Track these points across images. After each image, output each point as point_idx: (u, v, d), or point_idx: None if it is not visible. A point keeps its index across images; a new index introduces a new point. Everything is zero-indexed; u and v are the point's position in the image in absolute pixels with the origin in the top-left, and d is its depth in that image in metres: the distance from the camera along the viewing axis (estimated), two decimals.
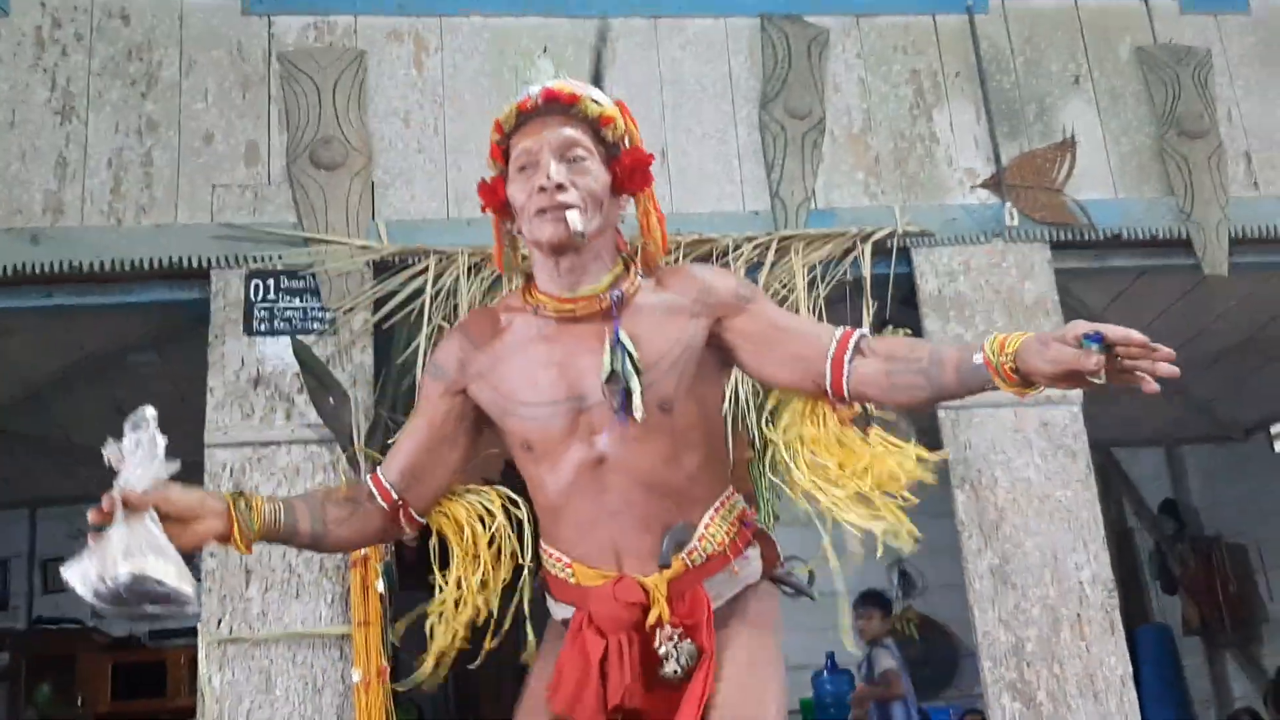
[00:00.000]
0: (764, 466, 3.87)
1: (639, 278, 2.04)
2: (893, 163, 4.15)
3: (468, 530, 2.12)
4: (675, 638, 1.91)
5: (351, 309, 3.72)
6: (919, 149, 4.19)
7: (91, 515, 1.72)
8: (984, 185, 4.16)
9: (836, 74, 4.22)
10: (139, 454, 1.77)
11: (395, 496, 2.06)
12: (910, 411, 2.04)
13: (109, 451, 1.77)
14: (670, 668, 1.90)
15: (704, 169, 4.05)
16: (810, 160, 4.07)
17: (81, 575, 1.71)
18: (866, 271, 3.95)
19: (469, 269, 3.78)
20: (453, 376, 2.06)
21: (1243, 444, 6.56)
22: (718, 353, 2.05)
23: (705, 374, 2.03)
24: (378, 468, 2.09)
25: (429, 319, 3.70)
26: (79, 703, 7.23)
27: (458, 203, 3.91)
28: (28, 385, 4.44)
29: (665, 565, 1.95)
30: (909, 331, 2.26)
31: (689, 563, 1.95)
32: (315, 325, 3.71)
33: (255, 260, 3.73)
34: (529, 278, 2.06)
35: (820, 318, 3.90)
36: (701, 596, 1.94)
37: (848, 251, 3.98)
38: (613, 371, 1.92)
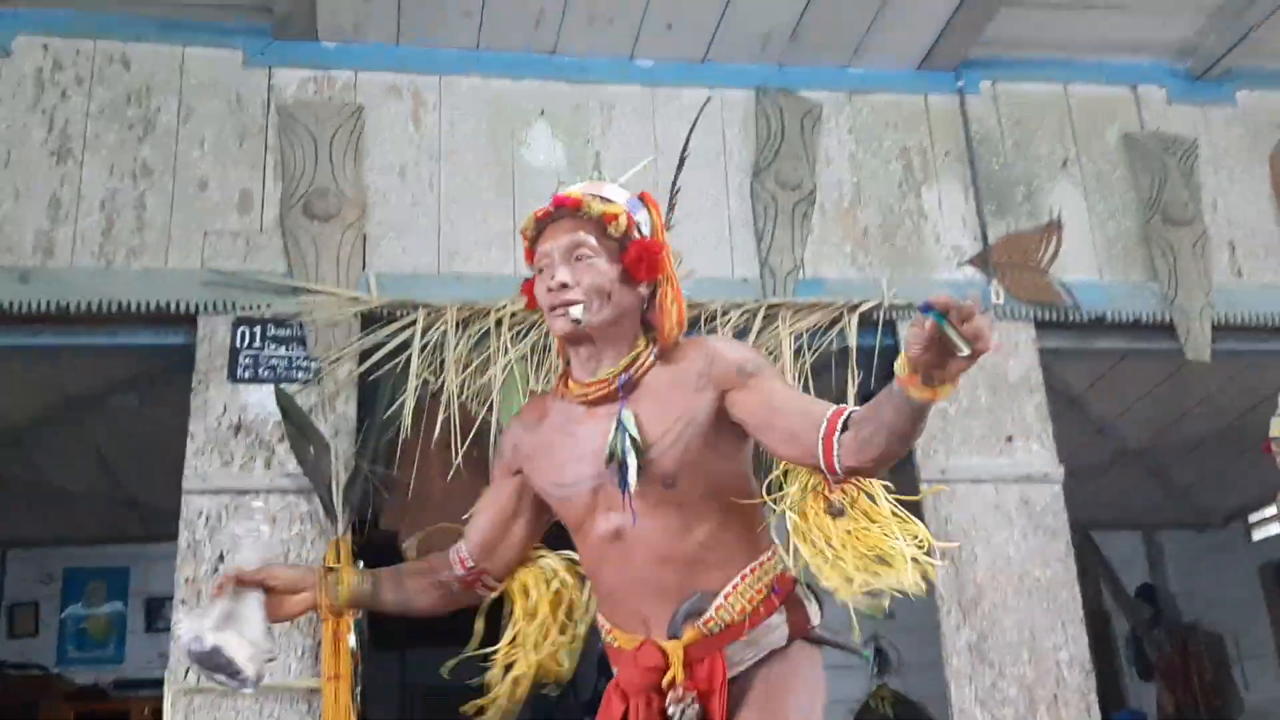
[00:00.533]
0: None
1: (653, 357, 2.12)
2: (881, 236, 4.20)
3: (534, 593, 2.27)
4: (688, 700, 1.98)
5: (337, 359, 3.72)
6: (907, 224, 4.23)
7: (213, 589, 2.08)
8: (970, 262, 4.20)
9: (828, 148, 4.28)
10: (250, 539, 2.20)
11: (472, 565, 2.24)
12: (889, 463, 1.99)
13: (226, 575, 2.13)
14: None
15: (695, 235, 4.07)
16: (800, 230, 4.11)
17: (185, 630, 2.06)
18: (853, 342, 3.97)
19: (457, 323, 3.79)
20: (509, 458, 2.24)
21: (1221, 531, 6.57)
22: (732, 425, 2.09)
23: (718, 444, 2.08)
24: (461, 541, 2.27)
25: (416, 372, 3.70)
26: None
27: (449, 257, 3.93)
28: (6, 424, 4.41)
29: (675, 636, 2.03)
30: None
31: (705, 631, 2.03)
32: (300, 374, 3.71)
33: (243, 308, 3.73)
34: (564, 368, 2.20)
35: (805, 386, 3.92)
36: (719, 664, 2.01)
37: (834, 321, 4.01)
38: (612, 452, 2.03)
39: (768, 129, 4.20)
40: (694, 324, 3.93)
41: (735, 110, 4.26)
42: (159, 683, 3.69)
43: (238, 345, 3.71)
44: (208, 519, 3.55)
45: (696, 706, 1.98)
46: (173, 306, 3.71)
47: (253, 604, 2.09)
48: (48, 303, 3.64)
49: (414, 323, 3.78)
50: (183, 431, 3.64)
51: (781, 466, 2.12)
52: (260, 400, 3.67)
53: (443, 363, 3.75)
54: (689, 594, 2.04)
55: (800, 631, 2.10)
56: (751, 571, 2.08)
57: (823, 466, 1.96)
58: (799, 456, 2.02)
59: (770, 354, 3.94)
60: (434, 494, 3.61)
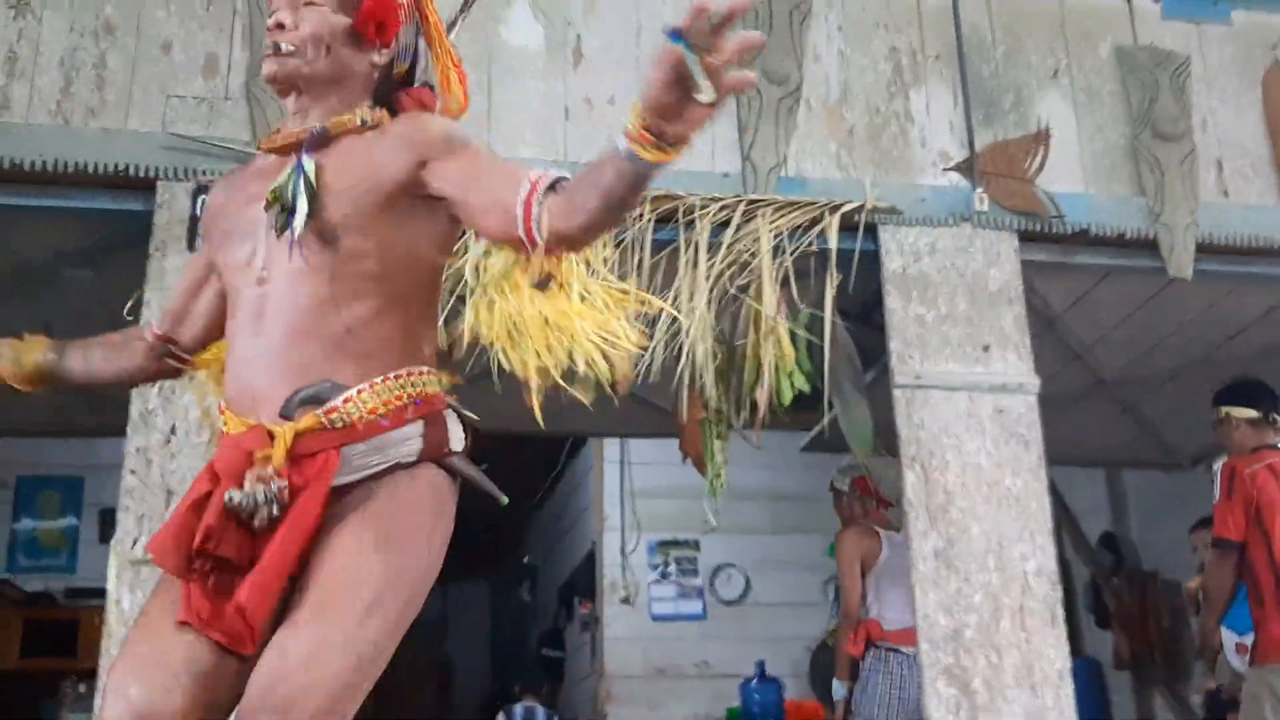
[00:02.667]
0: (718, 430, 3.79)
1: (363, 123, 1.95)
2: (866, 137, 4.10)
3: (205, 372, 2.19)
4: (272, 484, 1.74)
5: None
6: (893, 126, 4.14)
7: None
8: (956, 169, 4.12)
9: (816, 43, 4.17)
10: None
11: (160, 333, 2.13)
12: (600, 233, 1.81)
13: None
14: (239, 500, 1.73)
15: None
16: (784, 127, 4.00)
17: None
18: (833, 243, 3.88)
19: None
20: (208, 224, 2.10)
21: (1188, 473, 6.55)
22: (428, 203, 1.91)
23: (399, 214, 1.89)
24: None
25: None
26: None
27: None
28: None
29: (287, 416, 1.80)
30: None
31: (325, 422, 1.80)
32: None
33: (205, 174, 3.59)
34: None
35: (785, 285, 3.83)
36: (331, 460, 1.79)
37: (815, 222, 3.91)
38: (278, 195, 1.85)
39: (755, 20, 4.08)
40: (671, 216, 3.83)
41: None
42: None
43: (198, 213, 3.58)
44: (160, 388, 3.42)
45: (273, 489, 1.73)
46: (131, 170, 3.57)
47: None
48: (1, 159, 3.49)
49: None
50: (138, 307, 3.51)
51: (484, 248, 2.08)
52: None
53: None
54: (310, 377, 1.82)
55: (435, 453, 1.91)
56: (396, 378, 1.88)
57: (520, 233, 1.76)
58: (498, 226, 1.81)
59: (747, 251, 3.85)
60: None
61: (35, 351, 2.12)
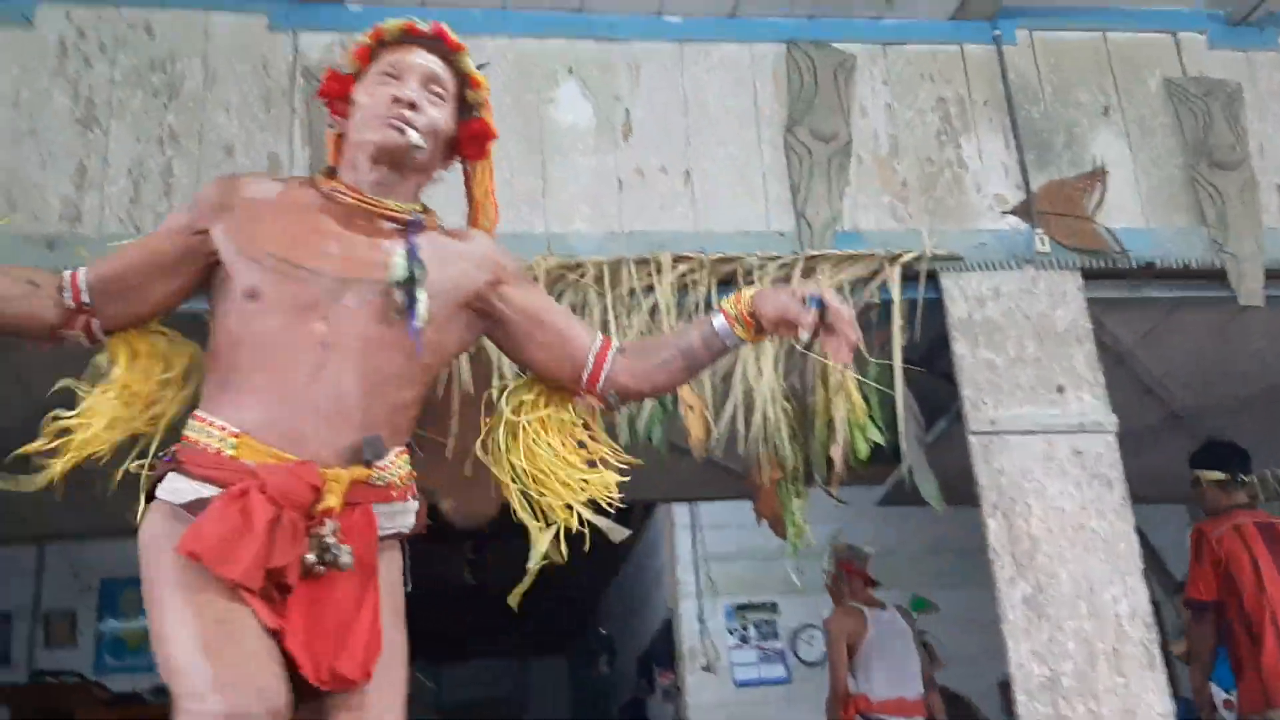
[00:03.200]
0: (796, 489, 3.77)
1: (438, 222, 2.17)
2: (920, 187, 4.10)
3: (140, 365, 2.09)
4: (336, 535, 1.86)
5: None
6: (947, 174, 4.14)
7: None
8: (1013, 212, 4.10)
9: (863, 98, 4.19)
10: None
11: (85, 299, 2.02)
12: (667, 392, 2.37)
13: None
14: (329, 556, 1.85)
15: (728, 190, 4.01)
16: (836, 182, 4.02)
17: None
18: (896, 293, 3.87)
19: None
20: (203, 211, 2.05)
21: (1270, 504, 6.39)
22: (479, 317, 2.13)
23: (455, 325, 2.09)
24: (81, 269, 2.04)
25: None
26: None
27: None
28: (38, 406, 4.35)
29: (366, 462, 1.93)
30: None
31: (374, 479, 1.95)
32: None
33: None
34: (326, 170, 2.16)
35: None
36: (371, 516, 1.94)
37: (875, 274, 3.91)
38: (409, 276, 1.98)
39: (800, 81, 4.12)
40: (731, 278, 3.85)
41: (765, 64, 4.18)
42: None
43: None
44: None
45: (348, 546, 1.86)
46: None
47: None
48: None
49: None
50: None
51: (499, 385, 2.23)
52: None
53: None
54: (364, 432, 1.95)
55: (419, 528, 2.09)
56: (406, 450, 2.07)
57: (584, 382, 2.10)
58: (556, 364, 2.12)
59: None
60: (472, 452, 3.53)
61: None
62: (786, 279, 3.84)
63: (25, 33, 3.84)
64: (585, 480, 2.15)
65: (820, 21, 4.24)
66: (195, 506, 1.85)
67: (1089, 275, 4.04)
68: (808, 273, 3.85)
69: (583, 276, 3.76)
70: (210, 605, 1.75)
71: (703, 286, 3.81)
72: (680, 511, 8.07)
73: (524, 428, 2.15)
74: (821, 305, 1.94)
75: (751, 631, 8.10)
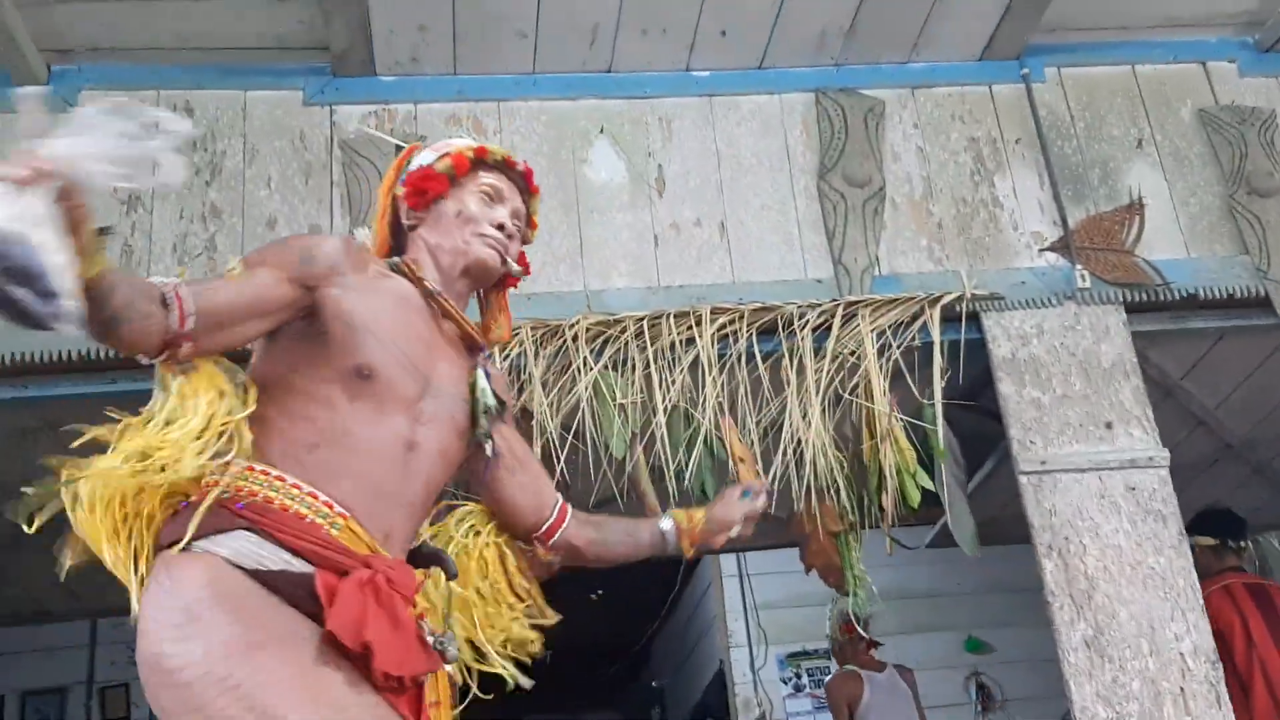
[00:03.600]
0: (853, 541, 3.75)
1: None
2: (956, 229, 4.10)
3: (205, 396, 1.80)
4: (434, 631, 1.91)
5: None
6: (982, 214, 4.13)
7: (10, 171, 1.41)
8: (1051, 248, 4.09)
9: (894, 143, 4.20)
10: (111, 143, 1.46)
11: (190, 328, 1.77)
12: (606, 564, 2.44)
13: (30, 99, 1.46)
14: (451, 655, 1.93)
15: (764, 240, 4.02)
16: (872, 227, 4.02)
17: None
18: (936, 336, 3.85)
19: (535, 343, 3.74)
20: (318, 270, 1.95)
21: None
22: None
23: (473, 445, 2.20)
24: (185, 288, 1.81)
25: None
26: None
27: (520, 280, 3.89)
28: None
29: (453, 576, 2.09)
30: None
31: (423, 578, 2.01)
32: None
33: None
34: (411, 261, 2.18)
35: (897, 383, 3.81)
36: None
37: (915, 317, 3.90)
38: (492, 408, 2.12)
39: (830, 128, 4.14)
40: (771, 328, 3.85)
41: (795, 113, 4.21)
42: None
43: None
44: None
45: (455, 643, 1.95)
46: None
47: (55, 209, 1.43)
48: None
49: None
50: None
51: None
52: None
53: (523, 385, 3.69)
54: (417, 537, 2.07)
55: None
56: None
57: (540, 528, 2.27)
58: (526, 505, 2.27)
59: (852, 354, 3.84)
60: None
61: (105, 260, 1.66)
62: (827, 327, 3.84)
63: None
64: (511, 626, 2.22)
65: (847, 69, 4.26)
66: (280, 578, 1.72)
67: (1132, 309, 4.02)
68: (847, 319, 3.85)
69: (623, 332, 3.78)
70: (336, 689, 1.64)
71: (743, 337, 3.81)
72: (727, 560, 8.02)
73: (470, 552, 2.23)
74: (754, 493, 2.46)
75: (805, 680, 8.01)
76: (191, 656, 1.60)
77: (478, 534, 2.25)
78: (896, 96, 4.27)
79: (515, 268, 2.21)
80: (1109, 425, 3.84)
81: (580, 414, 3.66)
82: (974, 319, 3.95)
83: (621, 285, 3.92)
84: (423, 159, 2.23)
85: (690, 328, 3.80)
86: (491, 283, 2.22)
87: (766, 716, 7.75)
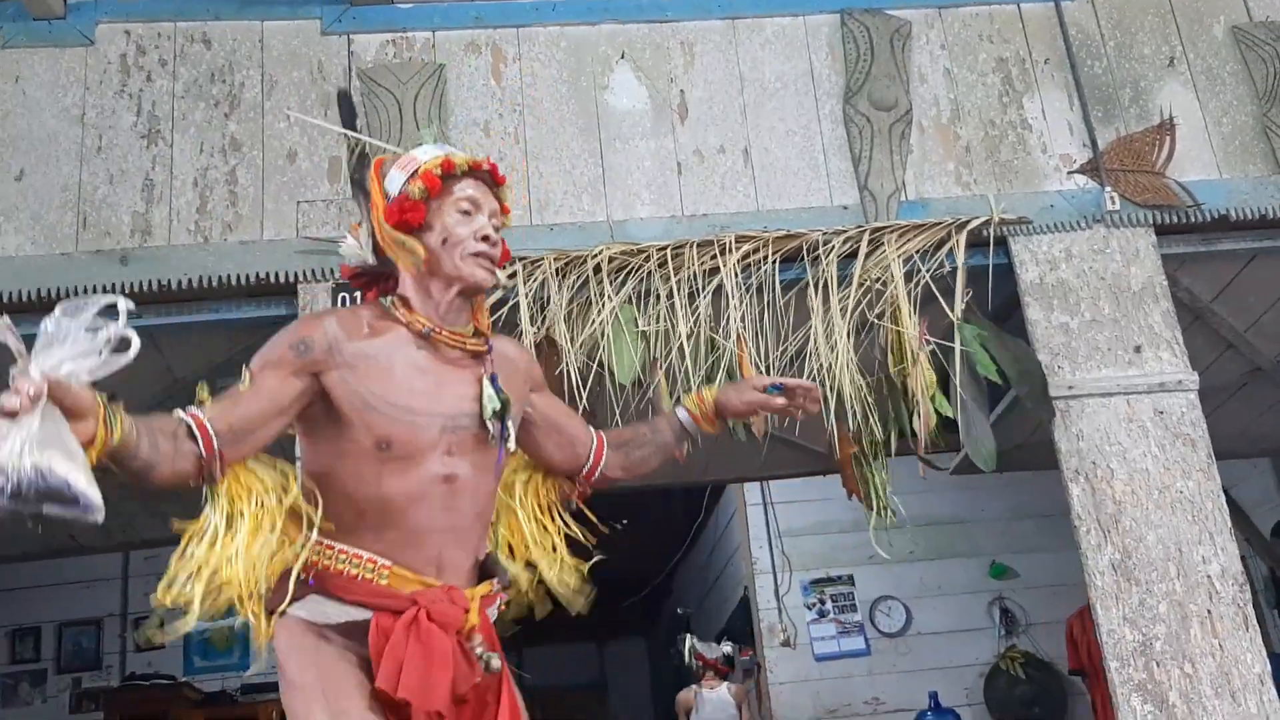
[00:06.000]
0: (874, 462, 3.74)
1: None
2: (984, 152, 4.04)
3: (265, 499, 2.07)
4: (483, 645, 2.11)
5: None
6: (1010, 137, 4.07)
7: (9, 401, 1.61)
8: (1081, 171, 4.03)
9: (921, 65, 4.13)
10: (83, 343, 1.66)
11: (216, 448, 1.98)
12: (646, 476, 2.55)
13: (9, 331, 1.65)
14: (485, 666, 2.09)
15: (789, 165, 3.97)
16: (899, 152, 3.97)
17: None
18: (961, 260, 3.82)
19: (555, 273, 3.72)
20: (317, 357, 2.10)
21: None
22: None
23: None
24: (200, 412, 1.99)
25: (524, 325, 3.63)
26: None
27: (540, 209, 3.87)
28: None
29: (506, 586, 2.24)
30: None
31: (493, 589, 2.20)
32: None
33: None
34: (401, 300, 2.23)
35: (917, 310, 3.78)
36: (488, 618, 2.19)
37: (942, 242, 3.86)
38: (499, 410, 2.16)
39: (856, 50, 4.07)
40: (796, 254, 3.82)
41: (820, 35, 4.14)
42: None
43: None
44: None
45: (497, 657, 2.11)
46: (272, 277, 3.70)
47: (58, 420, 1.64)
48: (149, 283, 3.65)
49: (513, 275, 3.71)
50: None
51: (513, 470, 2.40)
52: None
53: (544, 311, 3.68)
54: (480, 552, 2.22)
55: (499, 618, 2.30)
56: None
57: (581, 470, 2.42)
58: (564, 460, 2.42)
59: (878, 280, 3.81)
60: None
61: (123, 420, 1.82)
62: (852, 254, 3.81)
63: (87, 51, 3.89)
64: (557, 550, 2.41)
65: None
66: (346, 627, 2.05)
67: (1162, 231, 3.97)
68: (873, 245, 3.81)
69: (646, 261, 3.75)
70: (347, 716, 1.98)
71: (767, 265, 3.78)
72: (751, 489, 8.05)
73: (523, 500, 2.42)
74: (781, 389, 2.43)
75: (829, 605, 8.06)
76: (291, 707, 2.04)
77: (526, 483, 2.44)
78: (923, 17, 4.19)
79: (502, 278, 2.29)
80: (1138, 349, 3.81)
81: (603, 343, 3.65)
82: (1001, 243, 3.91)
83: (644, 215, 3.89)
84: (395, 181, 2.24)
85: (714, 257, 3.77)
86: (475, 295, 2.25)
87: (790, 641, 7.81)
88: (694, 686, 7.32)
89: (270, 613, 2.10)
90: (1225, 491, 4.65)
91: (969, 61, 4.16)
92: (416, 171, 2.21)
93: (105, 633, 7.94)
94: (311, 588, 2.08)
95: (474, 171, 2.26)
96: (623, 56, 4.08)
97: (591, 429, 2.48)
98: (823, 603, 8.06)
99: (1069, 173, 4.02)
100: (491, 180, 2.29)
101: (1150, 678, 3.49)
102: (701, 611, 10.40)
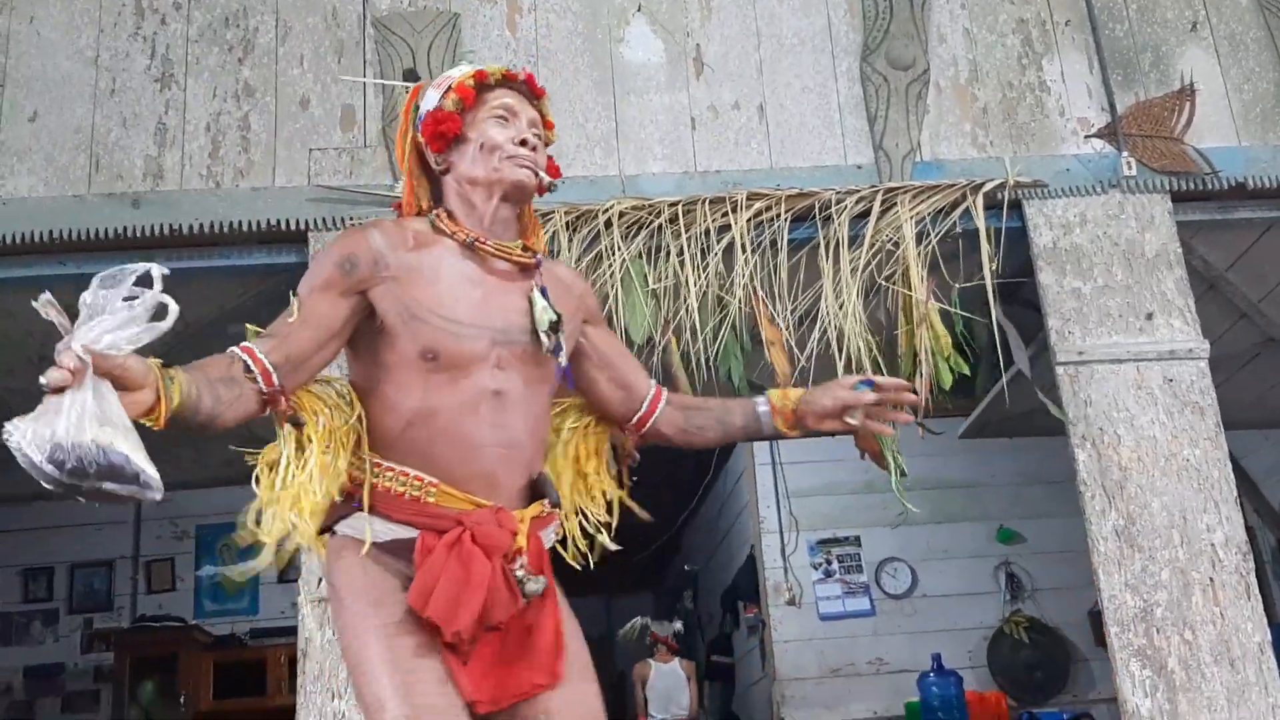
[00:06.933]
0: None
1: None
2: (1001, 113, 4.01)
3: (324, 419, 2.03)
4: (526, 568, 2.03)
5: None
6: (1029, 99, 4.03)
7: (54, 375, 1.55)
8: (1098, 135, 3.99)
9: (940, 24, 4.09)
10: (122, 313, 1.60)
11: (276, 382, 1.93)
12: (698, 447, 2.38)
13: (50, 306, 1.58)
14: (525, 589, 2.02)
15: (804, 123, 3.95)
16: (915, 112, 3.94)
17: (35, 438, 1.52)
18: (980, 223, 3.79)
19: (566, 225, 3.71)
20: (364, 273, 2.04)
21: None
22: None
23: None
24: (253, 347, 1.94)
25: None
26: (181, 701, 7.29)
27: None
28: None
29: (556, 505, 2.16)
30: None
31: (545, 510, 2.12)
32: None
33: (353, 221, 3.70)
34: (446, 214, 2.17)
35: (934, 270, 3.77)
36: (541, 542, 2.11)
37: (956, 204, 3.84)
38: (553, 324, 2.09)
39: (875, 7, 4.03)
40: (808, 213, 3.80)
41: None
42: (293, 630, 3.72)
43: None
44: None
45: (540, 580, 2.04)
46: (283, 224, 3.71)
47: (110, 396, 1.58)
48: (160, 226, 3.66)
49: None
50: None
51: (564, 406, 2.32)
52: None
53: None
54: (533, 471, 2.14)
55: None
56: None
57: (633, 418, 2.31)
58: (616, 403, 2.31)
59: (890, 241, 3.79)
60: None
61: (181, 383, 1.76)
62: (865, 213, 3.79)
63: None
64: (595, 494, 2.34)
65: None
66: (393, 545, 2.02)
67: (1178, 198, 3.94)
68: (887, 206, 3.80)
69: (657, 217, 3.74)
70: (405, 653, 1.95)
71: (778, 223, 3.77)
72: (760, 449, 8.06)
73: (570, 442, 2.34)
74: (873, 385, 2.20)
75: (835, 565, 8.09)
76: (336, 626, 2.08)
77: (575, 426, 2.35)
78: None
79: (547, 179, 2.18)
80: (1150, 316, 3.79)
81: (614, 298, 3.65)
82: (1016, 207, 3.89)
83: (657, 170, 3.87)
84: (429, 100, 2.21)
85: (725, 214, 3.75)
86: (530, 200, 2.20)
87: (796, 600, 7.85)
88: (649, 660, 7.96)
89: (321, 532, 2.08)
90: (1236, 462, 4.66)
91: (989, 22, 4.12)
92: (450, 86, 2.19)
93: (117, 574, 8.02)
94: (358, 507, 2.05)
95: (509, 82, 2.22)
96: (639, 9, 4.05)
97: (653, 380, 2.39)
98: (829, 563, 8.08)
99: (1086, 137, 3.99)
100: (529, 92, 2.24)
101: (1150, 644, 3.50)
102: (709, 568, 10.46)
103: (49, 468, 1.51)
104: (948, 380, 3.64)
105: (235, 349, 1.93)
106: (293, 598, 6.62)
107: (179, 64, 3.85)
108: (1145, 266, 3.84)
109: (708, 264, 3.73)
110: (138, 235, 3.63)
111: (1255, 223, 4.08)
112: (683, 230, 3.74)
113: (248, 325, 2.04)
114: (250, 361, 1.91)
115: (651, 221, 3.75)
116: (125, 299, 1.62)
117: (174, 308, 1.66)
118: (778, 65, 4.01)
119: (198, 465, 5.65)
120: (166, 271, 1.69)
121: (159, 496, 1.62)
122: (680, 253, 3.73)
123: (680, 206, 3.75)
